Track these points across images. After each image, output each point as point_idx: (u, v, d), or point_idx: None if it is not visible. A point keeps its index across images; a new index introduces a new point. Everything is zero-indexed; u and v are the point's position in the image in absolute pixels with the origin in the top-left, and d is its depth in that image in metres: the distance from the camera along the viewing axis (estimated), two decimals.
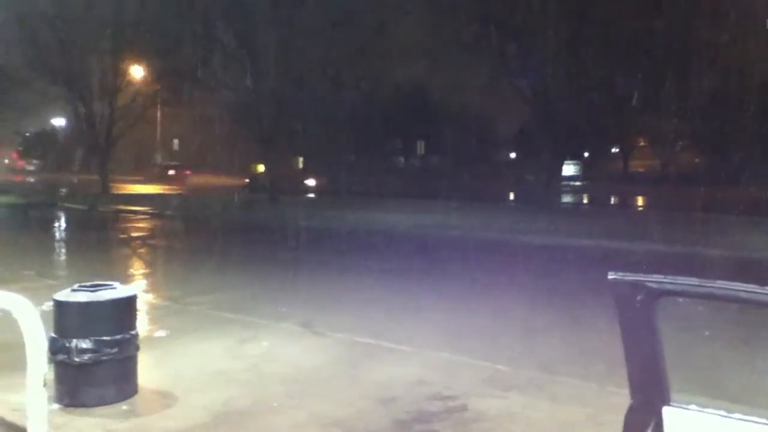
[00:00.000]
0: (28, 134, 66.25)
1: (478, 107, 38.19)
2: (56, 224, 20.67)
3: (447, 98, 39.61)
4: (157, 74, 30.55)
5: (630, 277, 1.92)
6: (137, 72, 31.28)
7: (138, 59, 30.61)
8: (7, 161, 69.62)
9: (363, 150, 47.44)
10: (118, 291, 4.70)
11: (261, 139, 26.03)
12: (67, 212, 24.08)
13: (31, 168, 65.75)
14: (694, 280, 1.86)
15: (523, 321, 7.57)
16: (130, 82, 31.26)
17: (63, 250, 14.85)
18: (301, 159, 56.03)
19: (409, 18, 24.73)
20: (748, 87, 22.49)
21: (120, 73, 30.53)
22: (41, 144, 66.04)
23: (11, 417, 4.34)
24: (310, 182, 38.44)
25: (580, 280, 9.89)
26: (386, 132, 45.52)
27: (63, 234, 18.77)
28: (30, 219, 21.63)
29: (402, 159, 53.87)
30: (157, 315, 7.72)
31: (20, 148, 68.84)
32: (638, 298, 1.90)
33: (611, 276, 1.96)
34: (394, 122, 43.10)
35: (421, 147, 41.45)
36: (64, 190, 34.44)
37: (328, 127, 33.89)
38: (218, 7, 24.48)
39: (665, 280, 1.88)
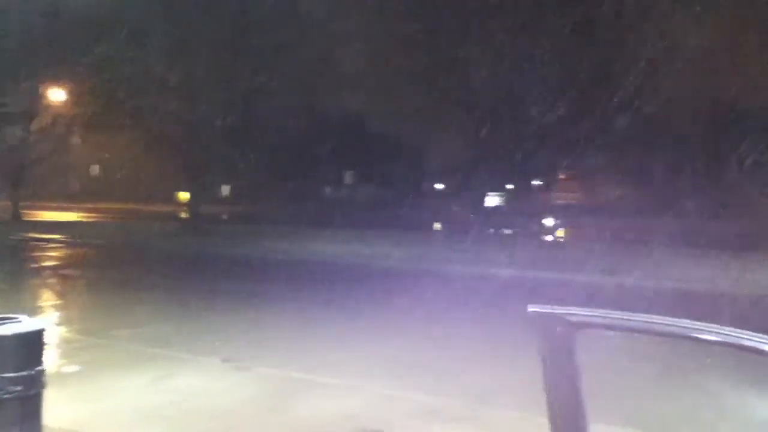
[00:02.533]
0: None
1: (411, 138, 38.70)
2: None
3: (382, 126, 39.93)
4: (77, 96, 29.45)
5: (549, 309, 1.91)
6: (56, 94, 30.09)
7: (57, 81, 29.46)
8: None
9: (290, 178, 47.12)
10: (23, 325, 4.39)
11: (189, 165, 25.44)
12: None
13: None
14: (615, 313, 1.85)
15: (454, 351, 7.57)
16: (48, 106, 30.04)
17: None
18: (228, 187, 55.19)
19: (349, 47, 24.82)
20: (670, 120, 23.67)
21: (37, 96, 29.30)
22: None
23: None
24: (548, 221, 33.33)
25: (506, 309, 10.01)
26: (316, 160, 45.44)
27: None
28: None
29: (328, 189, 53.80)
30: (70, 349, 7.32)
31: None
32: (558, 330, 1.88)
33: (531, 308, 1.94)
34: (324, 149, 43.07)
35: (349, 176, 41.52)
36: None
37: (256, 154, 33.44)
38: (149, 28, 23.83)
39: (585, 313, 1.87)
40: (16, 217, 29.24)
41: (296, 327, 8.80)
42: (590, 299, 10.20)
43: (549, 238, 30.15)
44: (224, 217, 37.64)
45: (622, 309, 1.84)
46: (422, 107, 25.00)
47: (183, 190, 35.19)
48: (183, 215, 29.24)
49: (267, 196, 42.09)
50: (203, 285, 13.14)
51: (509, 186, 54.41)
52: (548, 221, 34.31)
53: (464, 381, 6.35)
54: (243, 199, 46.31)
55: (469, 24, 22.03)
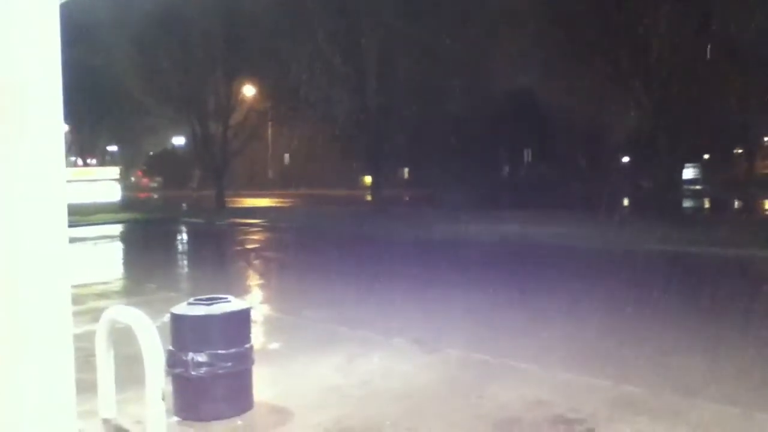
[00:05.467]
0: (151, 153, 70.59)
1: (586, 111, 36.76)
2: (176, 238, 21.70)
3: (554, 103, 38.42)
4: (267, 93, 31.63)
5: None
6: (249, 91, 32.54)
7: (249, 79, 31.84)
8: (133, 179, 74.55)
9: (468, 160, 46.86)
10: (232, 304, 4.70)
11: (367, 152, 26.27)
12: (186, 226, 25.29)
13: (155, 185, 70.09)
14: None
15: (655, 339, 7.00)
16: (242, 101, 32.55)
17: (183, 263, 15.50)
18: (406, 170, 56.33)
19: (515, 25, 24.12)
20: None
21: (232, 93, 31.85)
22: (163, 162, 70.13)
23: (134, 429, 4.42)
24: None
25: (718, 293, 9.13)
26: (492, 140, 44.76)
27: (183, 247, 19.66)
28: (153, 233, 22.86)
29: (507, 168, 52.82)
30: (271, 328, 7.80)
31: (144, 167, 73.49)
32: None
33: None
34: (498, 130, 42.31)
35: (528, 155, 40.43)
36: (184, 205, 36.37)
37: (433, 137, 33.67)
38: (324, 26, 24.96)
39: None
40: (221, 204, 32.05)
41: (482, 310, 8.65)
42: None
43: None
44: (406, 199, 38.39)
45: None
46: (597, 75, 23.51)
47: (366, 175, 36.45)
48: (367, 198, 30.30)
49: (444, 178, 42.16)
50: (385, 267, 13.41)
51: (706, 156, 49.88)
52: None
53: (668, 371, 5.83)
54: (422, 181, 46.85)
55: None
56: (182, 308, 4.60)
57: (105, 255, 17.54)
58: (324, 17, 24.92)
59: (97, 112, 32.28)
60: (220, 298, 4.72)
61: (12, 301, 4.05)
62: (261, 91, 32.27)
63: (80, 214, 26.58)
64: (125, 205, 30.54)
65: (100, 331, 4.48)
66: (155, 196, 53.84)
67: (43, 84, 4.07)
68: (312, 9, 24.50)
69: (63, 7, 4.57)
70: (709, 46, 19.91)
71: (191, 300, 4.69)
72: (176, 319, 4.55)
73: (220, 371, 4.44)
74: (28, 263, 4.04)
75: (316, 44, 25.24)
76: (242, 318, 4.70)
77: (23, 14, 3.99)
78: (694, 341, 6.84)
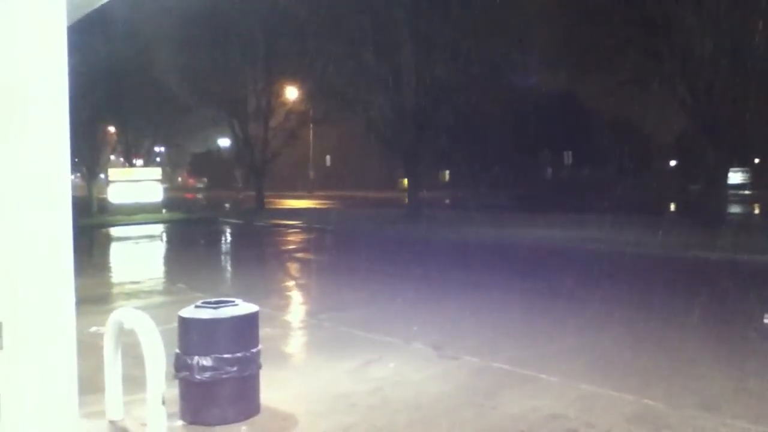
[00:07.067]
0: (196, 154, 71.93)
1: (630, 113, 35.91)
2: (213, 238, 21.95)
3: (595, 104, 37.65)
4: (307, 94, 31.84)
5: None
6: (289, 93, 32.80)
7: (289, 81, 32.12)
8: (180, 179, 76.10)
9: (509, 162, 46.36)
10: (239, 308, 4.67)
11: (405, 154, 26.15)
12: (226, 227, 25.62)
13: (200, 185, 71.35)
14: None
15: (681, 351, 6.74)
16: (282, 103, 32.83)
17: (216, 264, 15.65)
18: (447, 173, 56.05)
19: (551, 23, 23.69)
20: None
21: (272, 95, 32.16)
22: (208, 163, 71.30)
23: (139, 431, 4.44)
24: None
25: (756, 305, 8.75)
26: (533, 141, 44.18)
27: (218, 247, 19.88)
28: (191, 233, 23.21)
29: (550, 170, 52.13)
30: (290, 330, 7.77)
31: (190, 168, 74.90)
32: None
33: None
34: (540, 132, 41.72)
35: (568, 157, 39.68)
36: (227, 205, 36.88)
37: (472, 139, 33.37)
38: (362, 27, 24.99)
39: None
40: (260, 205, 32.37)
41: (506, 315, 8.47)
42: None
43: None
44: (446, 201, 38.13)
45: None
46: (638, 71, 22.89)
47: (404, 177, 36.36)
48: (406, 201, 30.18)
49: (483, 180, 41.77)
50: (420, 270, 13.28)
51: (756, 160, 48.37)
52: None
53: (694, 384, 5.59)
54: (462, 183, 46.51)
55: None
56: (189, 311, 4.59)
57: (143, 254, 17.87)
58: (361, 18, 24.92)
59: (142, 113, 32.96)
60: (228, 302, 4.70)
61: (14, 301, 4.08)
62: (301, 93, 32.51)
63: (123, 214, 27.22)
64: (168, 205, 31.12)
65: (108, 333, 4.51)
66: (200, 196, 54.75)
67: (45, 84, 4.08)
68: (349, 10, 24.52)
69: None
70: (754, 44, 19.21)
71: (199, 303, 4.68)
72: (183, 322, 4.55)
73: (224, 376, 4.42)
74: (30, 263, 4.06)
75: (353, 45, 25.27)
76: (249, 322, 4.67)
77: (24, 15, 4.02)
78: (723, 354, 6.54)
